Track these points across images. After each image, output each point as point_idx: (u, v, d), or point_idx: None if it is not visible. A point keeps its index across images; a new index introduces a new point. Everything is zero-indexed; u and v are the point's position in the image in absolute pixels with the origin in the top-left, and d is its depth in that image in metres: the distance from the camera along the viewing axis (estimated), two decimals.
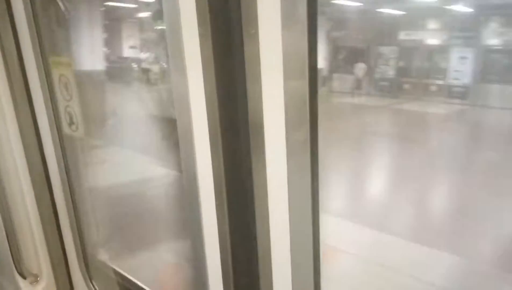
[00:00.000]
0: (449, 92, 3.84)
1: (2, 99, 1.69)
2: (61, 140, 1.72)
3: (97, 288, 1.87)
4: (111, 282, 1.86)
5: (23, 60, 1.66)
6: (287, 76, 0.84)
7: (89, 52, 1.80)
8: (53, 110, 1.67)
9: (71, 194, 1.79)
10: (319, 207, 0.94)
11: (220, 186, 1.01)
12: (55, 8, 1.56)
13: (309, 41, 0.82)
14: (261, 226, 0.99)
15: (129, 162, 1.92)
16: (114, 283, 1.85)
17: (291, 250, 0.94)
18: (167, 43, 1.01)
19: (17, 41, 1.62)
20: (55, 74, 1.63)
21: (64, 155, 1.74)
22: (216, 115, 0.96)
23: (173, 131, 1.07)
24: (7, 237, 1.89)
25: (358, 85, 4.57)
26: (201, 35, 0.92)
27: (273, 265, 1.00)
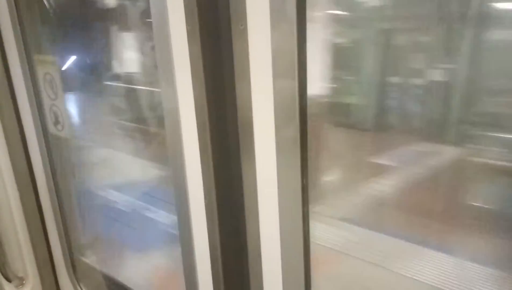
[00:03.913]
0: None
1: None
2: (46, 140, 1.69)
3: None
4: (98, 285, 1.83)
5: (6, 58, 1.62)
6: (276, 73, 0.83)
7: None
8: (38, 109, 1.63)
9: (57, 195, 1.75)
10: (309, 206, 0.93)
11: (209, 186, 0.99)
12: (39, 5, 1.53)
13: (298, 38, 0.81)
14: (251, 225, 0.98)
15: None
16: (102, 286, 1.82)
17: (281, 248, 0.94)
18: (154, 41, 0.99)
19: (0, 38, 1.58)
20: (40, 72, 1.59)
21: (50, 155, 1.70)
22: (205, 113, 0.95)
23: None
24: None
25: None
26: (189, 32, 0.90)
27: (263, 264, 0.99)
